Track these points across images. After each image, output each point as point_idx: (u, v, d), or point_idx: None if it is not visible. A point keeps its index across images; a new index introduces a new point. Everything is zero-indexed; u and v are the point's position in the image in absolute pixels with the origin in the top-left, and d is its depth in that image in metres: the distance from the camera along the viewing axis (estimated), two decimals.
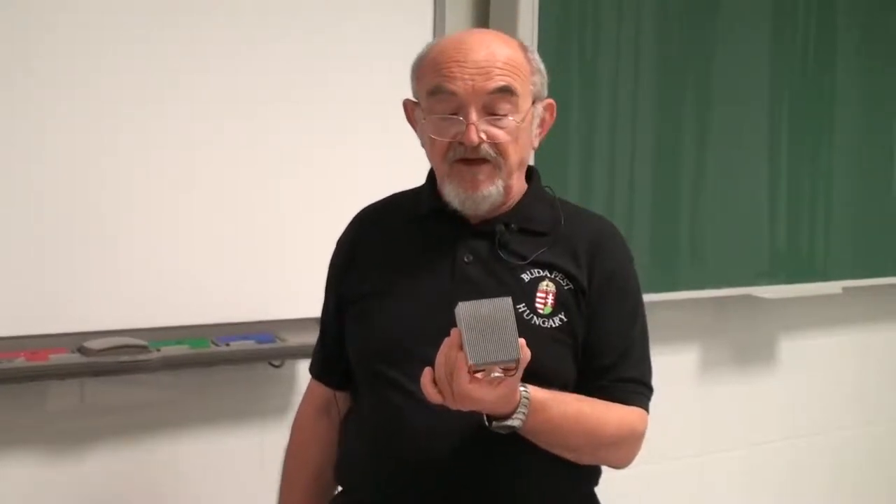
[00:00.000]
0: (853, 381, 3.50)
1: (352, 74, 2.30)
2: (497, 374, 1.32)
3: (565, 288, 1.53)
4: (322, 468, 1.70)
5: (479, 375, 1.32)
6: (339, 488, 1.66)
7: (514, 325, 1.30)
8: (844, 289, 3.25)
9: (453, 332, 1.33)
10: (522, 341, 1.32)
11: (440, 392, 1.35)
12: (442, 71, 1.48)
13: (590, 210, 1.69)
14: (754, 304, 3.12)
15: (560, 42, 2.60)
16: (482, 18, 2.56)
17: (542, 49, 2.51)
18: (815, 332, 3.38)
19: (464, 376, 1.31)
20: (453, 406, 1.35)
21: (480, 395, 1.33)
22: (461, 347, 1.31)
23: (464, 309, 1.30)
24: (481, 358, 1.30)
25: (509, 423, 1.39)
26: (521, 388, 1.39)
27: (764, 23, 3.00)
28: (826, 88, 3.16)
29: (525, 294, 1.52)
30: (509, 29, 2.43)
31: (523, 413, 1.39)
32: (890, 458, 3.61)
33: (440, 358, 1.34)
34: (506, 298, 1.31)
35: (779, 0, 3.02)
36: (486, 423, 1.40)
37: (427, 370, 1.36)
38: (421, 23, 2.38)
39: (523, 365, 1.33)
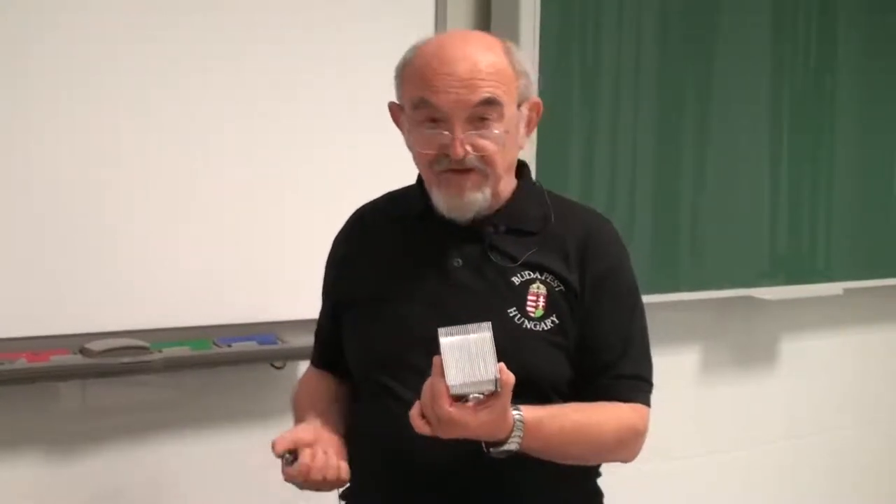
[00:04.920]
0: (853, 382, 3.50)
1: (352, 75, 2.30)
2: (476, 396, 1.33)
3: (556, 290, 1.53)
4: (337, 395, 1.66)
5: (468, 403, 1.33)
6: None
7: (494, 351, 1.32)
8: (845, 290, 3.25)
9: (435, 359, 1.33)
10: (502, 365, 1.32)
11: (428, 422, 1.35)
12: (425, 83, 1.48)
13: (581, 204, 1.69)
14: (755, 305, 3.12)
15: (561, 43, 2.60)
16: (483, 20, 2.56)
17: (544, 50, 2.53)
18: (816, 334, 3.38)
19: (445, 402, 1.32)
20: (442, 435, 1.35)
21: (464, 419, 1.33)
22: (443, 374, 1.32)
23: (444, 337, 1.32)
24: (459, 381, 1.32)
25: (506, 447, 1.39)
26: (515, 412, 1.39)
27: (764, 23, 3.00)
28: (826, 88, 3.16)
29: (516, 297, 1.52)
30: (510, 30, 2.43)
31: (519, 436, 1.39)
32: (890, 458, 3.61)
33: (426, 386, 1.35)
34: (485, 324, 1.33)
35: (779, 1, 3.02)
36: (485, 451, 1.40)
37: (417, 403, 1.36)
38: (422, 25, 2.38)
39: (507, 388, 1.33)
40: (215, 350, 2.17)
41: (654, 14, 2.77)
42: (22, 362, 1.98)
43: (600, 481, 1.65)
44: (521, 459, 1.46)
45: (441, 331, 1.33)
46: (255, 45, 2.19)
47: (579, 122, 2.65)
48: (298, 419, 1.63)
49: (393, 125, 1.62)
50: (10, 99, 1.97)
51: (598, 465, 1.62)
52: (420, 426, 1.36)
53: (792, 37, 3.07)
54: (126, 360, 2.04)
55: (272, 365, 2.30)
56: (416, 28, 2.34)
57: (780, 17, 3.03)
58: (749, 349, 3.25)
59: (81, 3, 2.02)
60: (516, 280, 1.53)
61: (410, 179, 1.67)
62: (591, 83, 2.67)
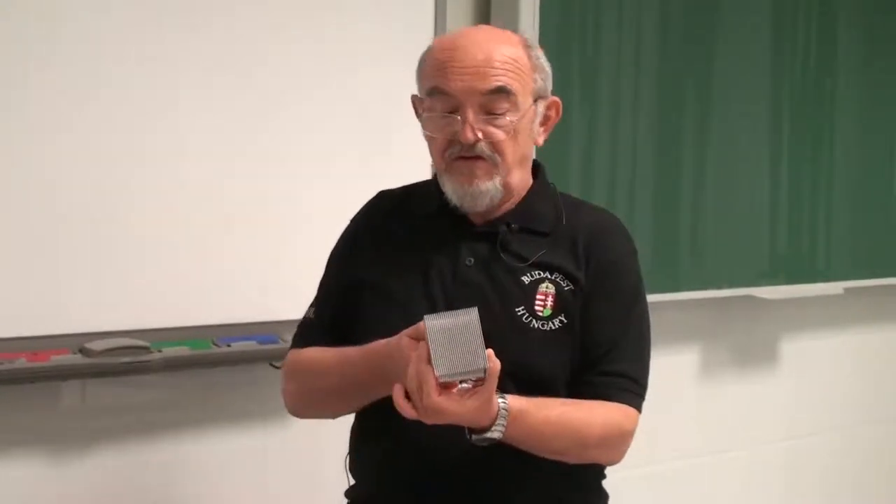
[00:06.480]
0: (853, 382, 3.50)
1: (352, 75, 2.30)
2: (465, 386, 1.33)
3: (565, 289, 1.52)
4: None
5: (454, 390, 1.32)
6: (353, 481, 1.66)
7: (481, 337, 1.31)
8: (845, 289, 3.25)
9: (421, 345, 1.33)
10: (490, 352, 1.32)
11: (414, 407, 1.35)
12: (440, 71, 1.50)
13: (596, 205, 1.69)
14: (755, 304, 3.12)
15: (561, 41, 2.60)
16: (483, 20, 2.56)
17: (544, 48, 2.52)
18: (816, 333, 3.38)
19: (432, 390, 1.32)
20: (427, 420, 1.35)
21: (451, 408, 1.33)
22: (429, 361, 1.31)
23: (430, 322, 1.32)
24: (447, 370, 1.31)
25: (489, 435, 1.38)
26: (500, 400, 1.38)
27: (765, 23, 3.00)
28: (826, 88, 3.17)
29: (525, 296, 1.51)
30: (510, 28, 2.42)
31: (502, 424, 1.38)
32: (890, 458, 3.61)
33: (410, 371, 1.34)
34: (472, 309, 1.32)
35: (779, 1, 3.02)
36: (468, 437, 1.39)
37: (398, 386, 1.36)
38: (422, 24, 2.38)
39: (493, 375, 1.32)
40: (215, 350, 2.17)
41: (654, 14, 2.77)
42: (22, 362, 1.97)
43: (604, 482, 1.64)
44: (525, 461, 1.46)
45: (427, 316, 1.32)
46: (254, 46, 2.19)
47: (579, 121, 2.65)
48: (352, 358, 1.51)
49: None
50: (9, 99, 1.96)
51: (603, 467, 1.61)
52: (407, 410, 1.35)
53: (792, 37, 3.07)
54: (126, 359, 2.04)
55: (272, 365, 2.30)
56: (416, 28, 2.36)
57: (780, 17, 3.03)
58: (749, 349, 3.25)
59: (87, 5, 2.02)
60: (526, 279, 1.53)
61: (411, 180, 1.67)
62: (591, 82, 2.67)
